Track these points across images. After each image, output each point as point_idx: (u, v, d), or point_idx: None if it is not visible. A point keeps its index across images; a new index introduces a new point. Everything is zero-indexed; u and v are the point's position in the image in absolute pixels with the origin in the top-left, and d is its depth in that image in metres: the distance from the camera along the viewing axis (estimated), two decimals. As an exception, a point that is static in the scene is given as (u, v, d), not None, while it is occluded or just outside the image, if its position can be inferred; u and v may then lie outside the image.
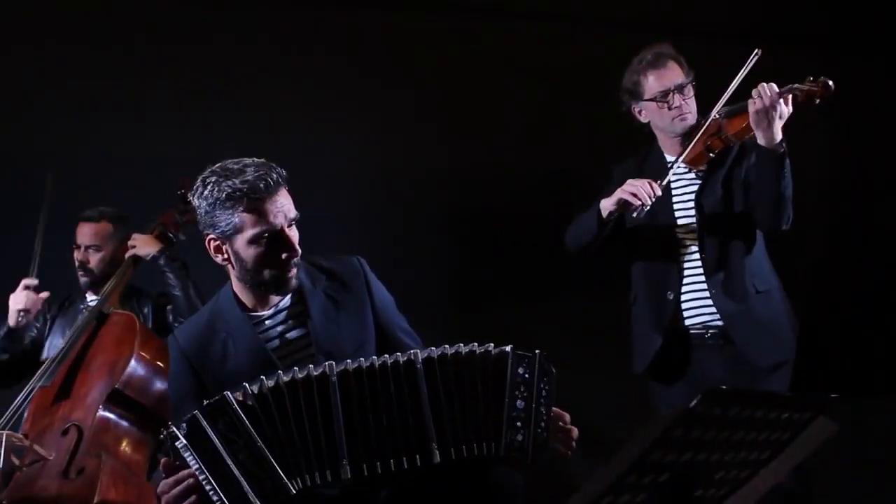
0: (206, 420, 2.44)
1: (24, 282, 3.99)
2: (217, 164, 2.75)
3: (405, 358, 2.57)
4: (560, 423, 2.66)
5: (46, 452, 3.56)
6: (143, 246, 4.13)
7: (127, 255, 4.14)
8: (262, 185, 2.66)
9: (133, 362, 3.68)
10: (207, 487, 2.42)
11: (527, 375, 2.59)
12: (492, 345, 2.62)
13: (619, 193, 3.66)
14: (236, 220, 2.67)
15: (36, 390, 3.76)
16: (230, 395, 2.48)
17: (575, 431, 2.68)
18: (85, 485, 3.46)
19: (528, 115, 5.22)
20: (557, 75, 5.17)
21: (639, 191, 3.62)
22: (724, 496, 2.26)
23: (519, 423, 2.56)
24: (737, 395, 2.14)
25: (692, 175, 3.80)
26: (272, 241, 2.69)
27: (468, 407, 2.57)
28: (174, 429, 2.45)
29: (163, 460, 2.52)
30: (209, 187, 2.69)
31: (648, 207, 3.64)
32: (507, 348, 2.60)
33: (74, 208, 4.43)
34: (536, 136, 5.20)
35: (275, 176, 2.68)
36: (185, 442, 2.43)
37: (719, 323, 3.71)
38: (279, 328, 2.82)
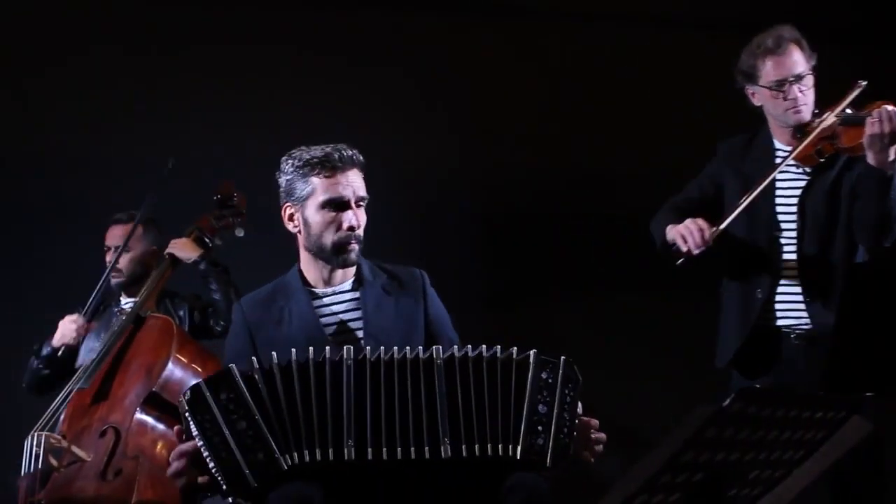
0: (208, 390, 2.54)
1: (77, 317, 4.05)
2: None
3: (426, 354, 2.63)
4: (589, 431, 2.68)
5: (84, 454, 3.59)
6: (183, 249, 4.15)
7: (166, 254, 4.17)
8: (336, 155, 2.89)
9: (170, 365, 3.70)
10: (204, 454, 2.51)
11: (550, 380, 2.62)
12: (515, 349, 2.65)
13: (675, 230, 3.57)
14: (309, 186, 2.90)
15: (74, 392, 3.79)
16: (234, 369, 2.57)
17: (603, 437, 2.70)
18: (122, 486, 3.49)
19: (555, 116, 5.20)
20: (585, 75, 5.16)
21: (688, 237, 3.53)
22: (758, 496, 2.25)
23: (540, 428, 2.59)
24: (771, 394, 2.14)
25: (800, 172, 3.63)
26: (338, 209, 2.90)
27: (487, 408, 2.60)
28: (183, 398, 2.56)
29: (175, 428, 2.63)
30: (289, 162, 2.94)
31: (686, 258, 3.55)
32: (531, 353, 2.64)
33: (108, 213, 4.48)
34: (563, 136, 5.19)
35: (350, 153, 2.92)
36: (186, 409, 2.53)
37: (807, 327, 3.58)
38: (334, 307, 2.97)
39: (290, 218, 2.97)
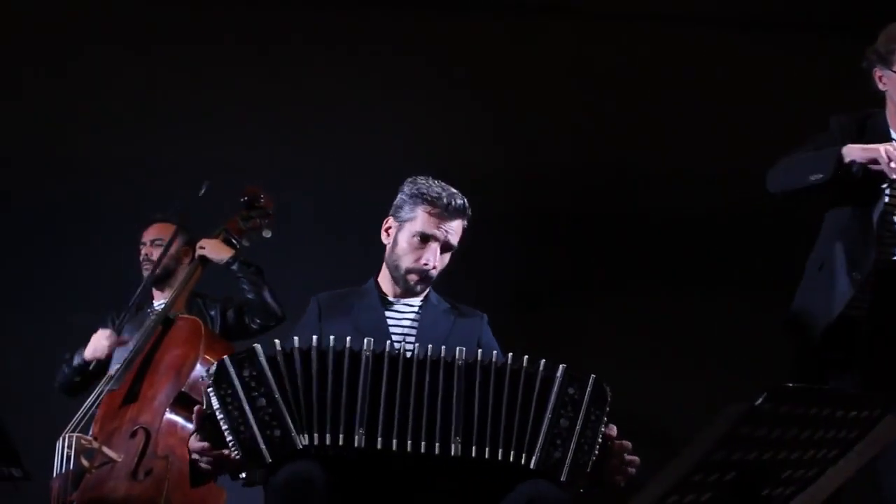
0: (232, 366, 2.62)
1: (110, 335, 4.06)
2: (429, 178, 3.18)
3: (448, 357, 2.68)
4: (622, 454, 2.67)
5: (115, 454, 3.61)
6: (214, 250, 4.18)
7: (196, 255, 4.19)
8: (447, 201, 3.07)
9: (199, 366, 3.71)
10: (223, 426, 2.57)
11: (576, 396, 2.65)
12: (543, 361, 2.68)
13: (875, 149, 3.34)
14: (414, 214, 3.09)
15: (104, 394, 3.82)
16: (259, 348, 2.65)
17: (636, 460, 2.70)
18: (153, 486, 3.51)
19: (588, 114, 5.19)
20: (619, 73, 5.14)
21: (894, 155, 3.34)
22: (791, 495, 2.23)
23: (559, 441, 2.62)
24: (804, 392, 2.11)
25: None
26: (426, 242, 3.07)
27: (505, 415, 2.64)
28: (207, 373, 2.65)
29: (195, 408, 2.68)
30: (413, 185, 3.13)
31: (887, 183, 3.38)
32: (560, 367, 2.67)
33: (136, 215, 4.51)
34: (596, 135, 5.17)
35: (461, 204, 3.10)
36: (210, 382, 2.60)
37: None
38: (398, 315, 3.11)
39: (387, 230, 3.16)
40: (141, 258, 4.38)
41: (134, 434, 3.65)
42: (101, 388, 3.84)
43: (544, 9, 5.35)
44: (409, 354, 2.68)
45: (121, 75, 5.14)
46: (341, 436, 2.60)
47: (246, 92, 5.13)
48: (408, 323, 3.10)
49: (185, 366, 3.73)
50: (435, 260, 3.08)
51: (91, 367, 4.10)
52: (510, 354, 2.69)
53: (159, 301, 4.34)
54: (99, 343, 4.07)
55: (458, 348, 2.70)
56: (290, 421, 2.59)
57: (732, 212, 5.02)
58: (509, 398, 2.65)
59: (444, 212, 3.07)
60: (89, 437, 3.70)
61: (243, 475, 2.62)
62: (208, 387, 2.61)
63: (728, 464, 2.04)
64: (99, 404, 3.81)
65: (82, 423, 3.75)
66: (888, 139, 3.52)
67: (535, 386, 2.66)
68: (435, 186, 3.10)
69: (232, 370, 2.61)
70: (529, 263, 5.21)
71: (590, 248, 5.13)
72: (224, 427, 2.57)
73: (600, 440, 2.63)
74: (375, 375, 2.65)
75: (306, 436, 2.60)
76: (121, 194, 5.00)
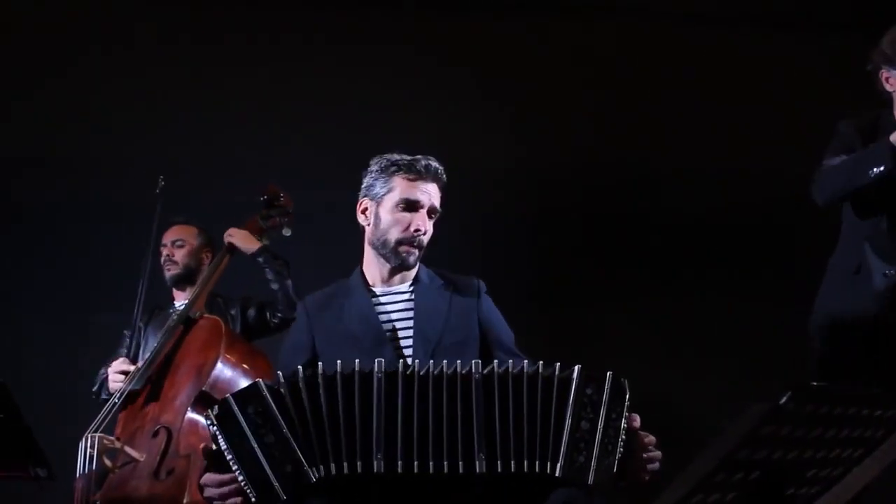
0: (236, 404, 2.55)
1: (123, 367, 4.02)
2: None
3: (464, 370, 2.61)
4: (645, 448, 2.64)
5: (138, 454, 3.62)
6: (243, 240, 4.20)
7: (225, 242, 4.21)
8: (422, 163, 3.03)
9: (219, 365, 3.72)
10: (234, 467, 2.52)
11: (594, 397, 2.58)
12: (558, 365, 2.62)
13: None
14: (390, 184, 3.03)
15: (126, 394, 3.83)
16: (262, 383, 2.58)
17: (659, 455, 2.66)
18: (175, 485, 3.51)
19: (610, 115, 5.18)
20: (639, 73, 5.13)
21: None
22: (816, 495, 2.22)
23: (582, 445, 2.55)
24: (828, 391, 2.10)
25: None
26: (410, 210, 3.01)
27: (527, 424, 2.57)
28: (211, 413, 2.57)
29: (202, 446, 2.64)
30: (381, 159, 3.07)
31: None
32: (575, 369, 2.61)
33: (162, 217, 4.53)
34: (617, 135, 5.16)
35: (436, 167, 3.05)
36: (215, 423, 2.54)
37: None
38: (390, 306, 3.03)
39: (364, 212, 3.09)
40: (162, 260, 4.42)
41: (156, 433, 3.66)
42: (124, 387, 3.86)
43: (556, 8, 5.34)
44: (422, 372, 2.59)
45: (140, 76, 5.16)
46: (359, 463, 2.53)
47: (265, 92, 5.15)
48: (400, 314, 3.02)
49: (206, 365, 3.73)
50: (425, 224, 3.02)
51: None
52: (525, 361, 2.64)
53: (180, 301, 4.37)
54: (115, 378, 3.99)
55: (473, 361, 2.62)
56: (300, 454, 2.52)
57: (752, 210, 5.01)
58: (529, 407, 2.58)
59: (421, 175, 3.02)
60: (112, 437, 3.72)
61: None
62: (214, 426, 2.55)
63: (752, 463, 2.04)
64: (121, 404, 3.83)
65: (105, 423, 3.76)
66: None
67: (553, 391, 2.59)
68: (402, 155, 3.06)
69: (236, 408, 2.54)
70: (546, 263, 5.20)
71: (607, 247, 5.12)
72: (235, 468, 2.52)
73: (623, 437, 2.58)
74: (389, 397, 2.57)
75: (321, 468, 2.52)
76: (143, 195, 5.01)
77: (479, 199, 5.17)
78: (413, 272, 3.08)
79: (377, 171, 3.06)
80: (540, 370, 2.62)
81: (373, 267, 3.08)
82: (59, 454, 3.74)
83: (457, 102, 5.16)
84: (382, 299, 3.05)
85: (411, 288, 3.06)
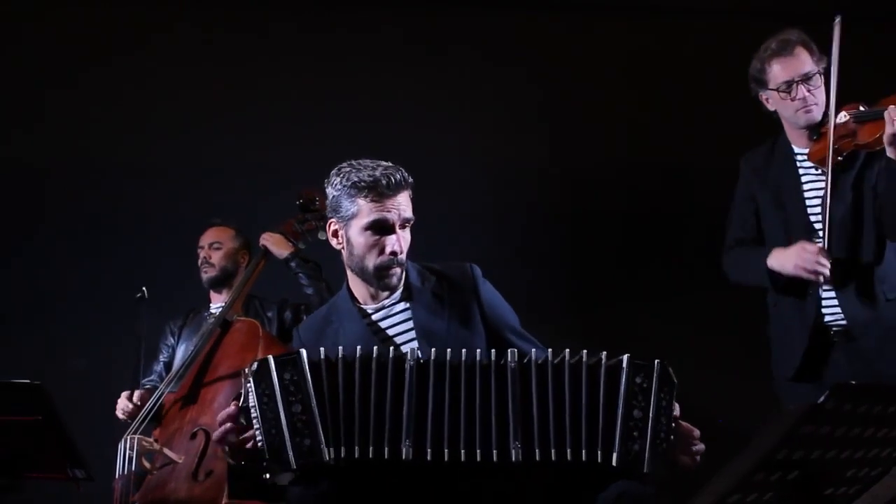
0: (275, 367, 2.57)
1: (124, 403, 4.03)
2: (354, 160, 2.94)
3: (499, 359, 2.60)
4: (690, 438, 2.63)
5: (176, 456, 3.64)
6: (276, 245, 4.23)
7: (260, 246, 4.24)
8: (384, 181, 2.84)
9: (257, 367, 3.73)
10: (255, 426, 2.56)
11: (644, 385, 2.56)
12: (604, 353, 2.61)
13: (795, 270, 3.55)
14: (355, 207, 2.87)
15: (165, 396, 3.86)
16: (304, 353, 2.59)
17: (702, 447, 2.64)
18: (213, 486, 3.53)
19: (644, 114, 5.17)
20: (673, 72, 5.12)
21: (816, 268, 3.51)
22: (855, 494, 2.21)
23: (636, 433, 2.54)
24: (867, 390, 2.09)
25: (819, 173, 3.65)
26: (381, 232, 2.86)
27: (572, 413, 2.56)
28: (248, 367, 2.60)
29: (233, 401, 2.66)
30: (341, 176, 2.90)
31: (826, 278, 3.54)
32: (624, 357, 2.59)
33: (197, 220, 4.57)
34: (651, 134, 5.15)
35: (399, 177, 2.87)
36: (250, 379, 2.58)
37: (843, 323, 3.59)
38: (384, 322, 2.93)
39: (335, 234, 2.96)
40: (199, 262, 4.45)
41: (194, 435, 3.68)
42: (162, 390, 3.89)
43: (591, 7, 5.34)
44: (455, 361, 2.58)
45: (173, 81, 5.19)
46: (387, 448, 2.53)
47: (301, 95, 5.17)
48: (400, 329, 2.92)
49: (243, 367, 3.75)
50: (399, 244, 2.87)
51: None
52: (566, 351, 2.61)
53: (216, 304, 4.40)
54: (122, 407, 4.03)
55: (510, 350, 2.60)
56: (321, 432, 2.53)
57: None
58: (572, 395, 2.56)
59: (386, 191, 2.84)
60: (150, 439, 3.74)
61: (267, 476, 2.57)
62: (248, 381, 2.58)
63: (791, 463, 2.03)
64: (160, 406, 3.86)
65: (144, 425, 3.79)
66: (792, 158, 3.70)
67: (600, 379, 2.57)
68: (364, 170, 2.86)
69: (274, 371, 2.57)
70: (581, 263, 5.19)
71: (642, 246, 5.11)
72: (256, 426, 2.56)
73: (673, 425, 2.57)
74: (421, 385, 2.56)
75: (334, 450, 2.53)
76: (180, 198, 5.07)
77: (513, 198, 5.18)
78: (403, 280, 2.96)
79: (339, 190, 2.89)
80: (584, 359, 2.60)
81: (359, 286, 2.97)
82: (98, 456, 3.78)
83: (491, 102, 5.16)
84: (375, 316, 2.95)
85: (404, 296, 2.96)
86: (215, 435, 2.65)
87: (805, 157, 3.66)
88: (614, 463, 2.53)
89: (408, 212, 2.89)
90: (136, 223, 5.15)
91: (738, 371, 4.70)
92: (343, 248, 2.95)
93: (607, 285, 5.17)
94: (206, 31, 5.24)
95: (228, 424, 2.62)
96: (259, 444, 2.55)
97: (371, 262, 2.88)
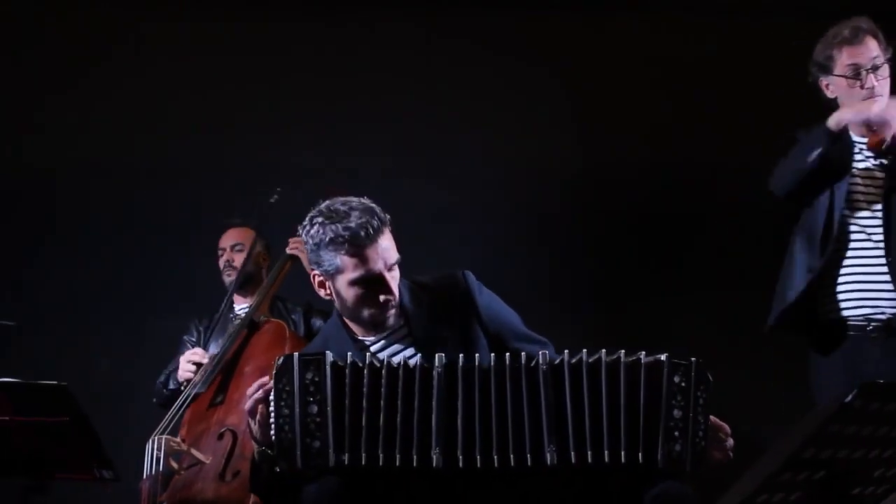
0: (298, 364, 2.56)
1: (196, 357, 4.03)
2: (325, 204, 2.87)
3: (529, 363, 2.58)
4: (721, 433, 2.61)
5: (203, 456, 3.65)
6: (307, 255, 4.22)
7: (288, 252, 4.24)
8: (362, 234, 2.75)
9: (284, 367, 3.74)
10: (270, 420, 2.56)
11: (683, 384, 2.54)
12: (643, 353, 2.59)
13: (866, 109, 3.49)
14: (338, 262, 2.79)
15: (192, 397, 3.87)
16: (330, 354, 2.58)
17: (731, 443, 2.63)
18: (240, 487, 3.53)
19: (665, 113, 5.16)
20: (697, 71, 5.10)
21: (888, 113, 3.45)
22: (884, 494, 2.20)
23: (677, 433, 2.52)
24: (895, 389, 2.08)
25: (878, 163, 3.61)
26: (371, 284, 2.79)
27: (609, 414, 2.53)
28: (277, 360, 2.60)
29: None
30: (315, 227, 2.82)
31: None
32: (663, 357, 2.56)
33: (216, 219, 4.59)
34: (674, 133, 5.14)
35: (376, 223, 2.78)
36: (273, 375, 2.58)
37: (882, 317, 3.55)
38: (384, 353, 2.86)
39: (321, 285, 2.89)
40: (222, 264, 4.44)
41: (221, 436, 3.69)
42: (189, 390, 3.90)
43: (618, 7, 5.33)
44: (485, 365, 2.56)
45: (200, 82, 5.21)
46: (415, 457, 2.51)
47: (325, 96, 5.18)
48: (399, 358, 2.76)
49: (270, 368, 3.75)
50: (390, 288, 2.80)
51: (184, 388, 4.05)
52: (603, 351, 2.58)
53: (241, 305, 4.39)
54: (186, 367, 4.00)
55: (540, 353, 2.58)
56: (331, 435, 2.53)
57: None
58: (609, 395, 2.54)
59: (366, 242, 2.75)
60: (178, 440, 3.75)
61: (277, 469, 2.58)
62: (273, 373, 2.58)
63: (818, 462, 2.03)
64: (187, 407, 3.87)
65: (171, 426, 3.81)
66: (850, 144, 3.63)
67: (640, 378, 2.54)
68: (339, 220, 2.77)
69: (296, 368, 2.56)
70: (607, 263, 5.18)
71: (668, 245, 5.10)
72: (271, 420, 2.56)
73: (708, 424, 2.55)
74: (450, 391, 2.54)
75: (339, 455, 2.51)
76: (202, 200, 5.08)
77: (540, 199, 5.17)
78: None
79: (317, 245, 2.80)
80: (622, 358, 2.57)
81: (354, 325, 2.91)
82: (125, 456, 3.80)
83: (516, 102, 5.16)
84: (373, 348, 2.87)
85: (406, 332, 2.88)
86: (247, 405, 2.65)
87: (864, 146, 3.61)
88: (659, 464, 2.50)
89: (392, 256, 2.81)
90: (156, 223, 5.17)
91: (766, 369, 4.69)
92: (332, 298, 2.89)
93: (633, 285, 5.15)
94: (226, 31, 5.25)
95: (259, 393, 2.62)
96: (272, 435, 2.56)
97: (365, 312, 2.83)
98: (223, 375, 3.87)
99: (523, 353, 2.62)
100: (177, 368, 4.03)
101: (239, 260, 4.38)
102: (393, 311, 2.85)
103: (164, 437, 3.71)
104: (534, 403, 2.54)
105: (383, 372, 2.57)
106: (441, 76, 5.20)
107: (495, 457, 2.52)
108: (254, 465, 2.73)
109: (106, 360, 5.01)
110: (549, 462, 2.51)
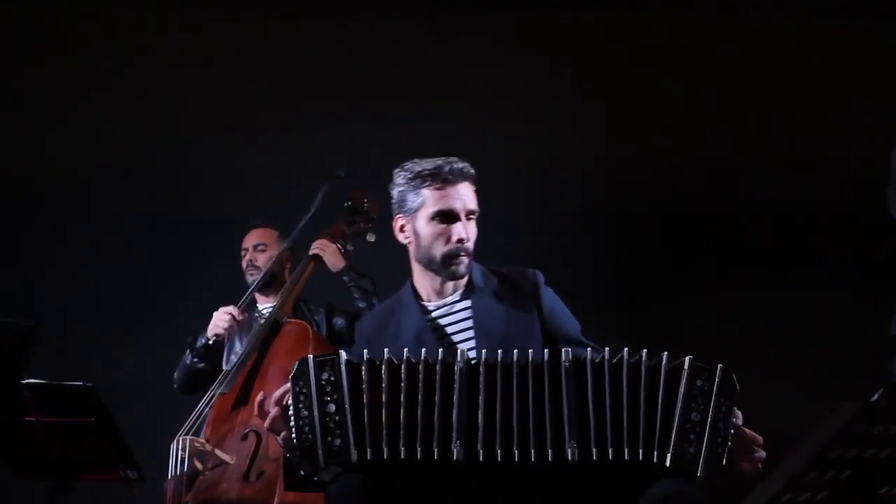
0: (313, 366, 2.60)
1: (230, 309, 4.08)
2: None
3: (552, 360, 2.59)
4: (752, 445, 2.61)
5: (227, 457, 3.66)
6: (331, 256, 4.23)
7: (311, 254, 4.25)
8: (447, 169, 2.90)
9: (307, 369, 3.75)
10: (290, 423, 2.59)
11: (705, 388, 2.55)
12: (665, 354, 2.60)
13: None
14: (420, 198, 2.91)
15: (216, 397, 3.88)
16: (343, 354, 2.62)
17: (763, 455, 2.62)
18: (264, 488, 3.55)
19: (690, 113, 5.15)
20: (720, 71, 5.09)
21: None
22: (910, 494, 2.19)
23: (692, 436, 2.52)
24: (921, 388, 2.07)
25: None
26: (448, 221, 2.90)
27: (629, 413, 2.55)
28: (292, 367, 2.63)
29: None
30: (404, 171, 2.96)
31: None
32: (686, 359, 2.58)
33: (239, 220, 4.60)
34: (697, 133, 5.13)
35: (461, 166, 2.92)
36: (290, 379, 2.61)
37: None
38: (444, 320, 2.95)
39: (402, 229, 2.99)
40: (244, 265, 4.46)
41: (245, 437, 3.70)
42: (213, 391, 3.92)
43: (638, 5, 5.32)
44: (507, 361, 2.58)
45: (227, 86, 5.24)
46: (436, 450, 2.53)
47: (350, 97, 5.19)
48: (459, 328, 2.93)
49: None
50: (466, 232, 2.90)
51: (213, 343, 4.09)
52: (625, 350, 2.60)
53: (263, 305, 4.41)
54: (219, 317, 4.06)
55: (563, 350, 2.60)
56: (350, 433, 2.55)
57: (836, 206, 4.94)
58: (630, 395, 2.56)
59: (449, 180, 2.89)
60: (202, 440, 3.76)
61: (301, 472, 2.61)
62: (290, 377, 2.61)
63: (843, 462, 2.02)
64: (211, 407, 3.88)
65: (195, 426, 3.83)
66: None
67: (661, 380, 2.56)
68: (425, 162, 2.93)
69: (312, 370, 2.60)
70: (627, 262, 5.18)
71: (688, 245, 5.08)
72: (290, 424, 2.59)
73: (732, 431, 2.55)
74: (471, 386, 2.57)
75: (361, 451, 2.54)
76: (226, 201, 5.11)
77: (561, 197, 5.17)
78: (465, 278, 2.98)
79: (403, 184, 2.95)
80: (644, 359, 2.59)
81: (423, 280, 2.99)
82: (149, 457, 3.82)
83: (539, 101, 5.16)
84: (436, 314, 2.96)
85: (467, 303, 2.96)
86: (266, 423, 2.69)
87: None
88: (668, 463, 2.52)
89: (472, 203, 2.93)
90: (179, 224, 5.20)
91: (789, 369, 4.67)
92: (410, 241, 2.97)
93: (654, 285, 5.15)
94: (257, 31, 5.28)
95: (276, 409, 2.66)
96: (294, 441, 2.58)
97: (439, 250, 2.91)
98: (246, 376, 3.88)
99: (546, 350, 2.64)
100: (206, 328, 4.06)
101: (261, 260, 4.42)
102: (466, 260, 2.92)
103: (188, 437, 3.73)
104: (555, 399, 2.56)
105: (402, 368, 2.60)
106: (461, 76, 5.21)
107: (516, 451, 2.54)
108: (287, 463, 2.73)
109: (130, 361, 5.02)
110: (570, 458, 2.52)
